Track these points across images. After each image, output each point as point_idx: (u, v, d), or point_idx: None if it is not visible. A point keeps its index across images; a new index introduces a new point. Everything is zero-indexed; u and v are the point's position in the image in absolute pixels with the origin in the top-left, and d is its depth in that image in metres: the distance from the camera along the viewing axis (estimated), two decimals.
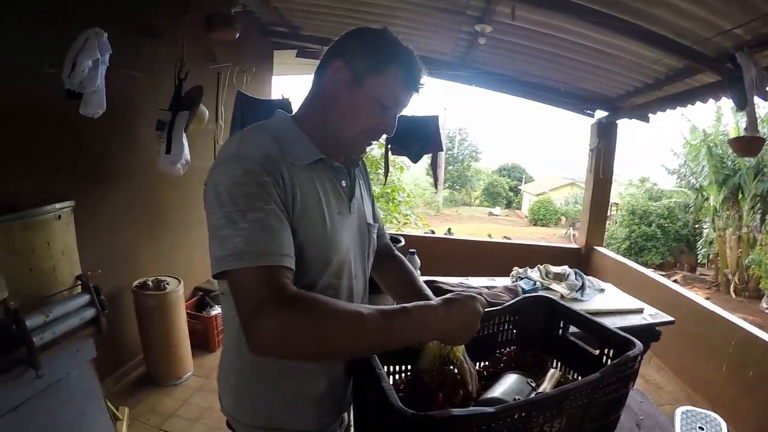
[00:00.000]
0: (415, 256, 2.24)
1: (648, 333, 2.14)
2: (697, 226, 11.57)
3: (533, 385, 0.88)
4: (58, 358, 1.71)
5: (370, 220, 1.05)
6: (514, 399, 0.83)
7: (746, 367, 2.64)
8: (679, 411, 1.83)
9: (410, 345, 0.83)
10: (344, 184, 0.94)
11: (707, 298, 8.21)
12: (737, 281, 9.11)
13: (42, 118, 2.12)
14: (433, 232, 8.82)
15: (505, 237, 12.26)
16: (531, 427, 0.79)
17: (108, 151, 2.56)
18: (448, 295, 0.81)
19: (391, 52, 0.85)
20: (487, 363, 1.21)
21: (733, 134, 8.38)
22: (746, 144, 2.76)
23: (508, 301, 2.09)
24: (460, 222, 23.03)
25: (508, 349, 1.21)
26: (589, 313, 2.17)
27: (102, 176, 2.54)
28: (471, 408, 0.72)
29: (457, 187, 31.46)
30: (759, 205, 9.10)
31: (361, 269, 1.01)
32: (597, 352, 1.02)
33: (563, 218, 22.79)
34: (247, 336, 0.68)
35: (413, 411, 0.69)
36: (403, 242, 2.56)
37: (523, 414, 0.77)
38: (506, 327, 1.18)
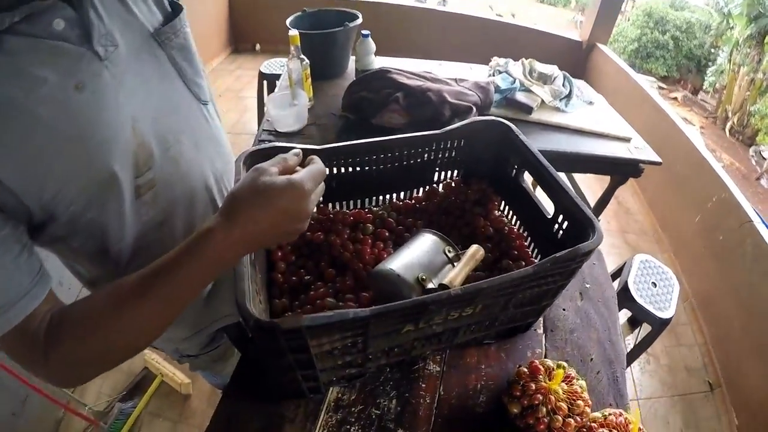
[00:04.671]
0: (369, 38, 1.75)
1: (630, 167, 1.91)
2: (713, 50, 10.66)
3: (450, 255, 0.64)
4: None
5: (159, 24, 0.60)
6: (418, 278, 0.59)
7: (718, 230, 2.46)
8: (638, 258, 1.72)
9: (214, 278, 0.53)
10: (61, 27, 0.47)
11: (701, 128, 8.08)
12: (735, 122, 8.77)
13: None
14: None
15: (511, 14, 11.09)
16: (431, 318, 0.58)
17: None
18: (226, 201, 0.49)
19: None
20: (420, 194, 0.96)
21: None
22: None
23: (475, 103, 1.75)
24: None
25: (447, 180, 0.95)
26: (570, 129, 1.90)
27: None
28: (331, 313, 0.48)
29: None
30: None
31: (194, 149, 0.66)
32: (551, 214, 0.76)
33: (573, 1, 20.33)
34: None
35: (257, 316, 0.49)
36: (360, 19, 1.98)
37: (417, 313, 0.54)
38: (447, 155, 0.89)
